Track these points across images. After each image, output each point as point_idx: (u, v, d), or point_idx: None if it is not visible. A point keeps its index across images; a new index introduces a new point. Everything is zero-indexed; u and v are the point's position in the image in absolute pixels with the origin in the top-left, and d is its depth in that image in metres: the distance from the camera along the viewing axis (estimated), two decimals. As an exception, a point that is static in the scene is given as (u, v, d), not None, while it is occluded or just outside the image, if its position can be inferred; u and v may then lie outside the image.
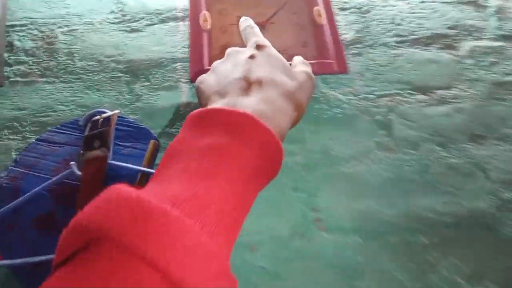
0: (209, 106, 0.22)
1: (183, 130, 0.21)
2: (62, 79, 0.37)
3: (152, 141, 0.33)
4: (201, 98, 0.26)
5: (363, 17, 0.42)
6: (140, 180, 0.31)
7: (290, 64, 0.29)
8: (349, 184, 0.35)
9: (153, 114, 0.36)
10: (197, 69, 0.35)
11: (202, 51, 0.35)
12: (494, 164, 0.36)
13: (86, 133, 0.32)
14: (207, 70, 0.34)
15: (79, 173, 0.30)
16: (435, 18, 0.43)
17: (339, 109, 0.38)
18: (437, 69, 0.40)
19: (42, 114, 0.36)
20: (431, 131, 0.38)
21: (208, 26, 0.37)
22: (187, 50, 0.39)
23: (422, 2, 0.44)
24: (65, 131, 0.34)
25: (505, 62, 0.41)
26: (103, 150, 0.30)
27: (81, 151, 0.30)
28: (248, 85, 0.22)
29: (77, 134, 0.33)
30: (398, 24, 0.42)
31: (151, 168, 0.34)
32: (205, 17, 0.37)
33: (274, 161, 0.20)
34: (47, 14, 0.41)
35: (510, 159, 0.36)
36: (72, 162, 0.30)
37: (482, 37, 0.42)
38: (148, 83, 0.38)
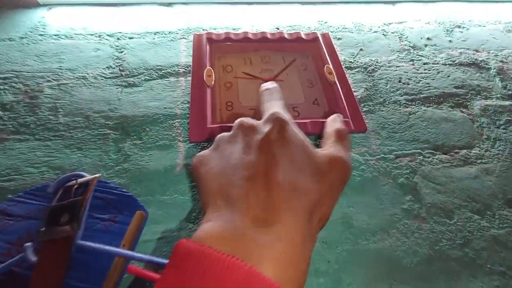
0: (209, 222, 0.15)
1: (165, 272, 0.14)
2: (38, 137, 0.32)
3: (137, 212, 0.27)
4: (200, 187, 0.19)
5: (370, 76, 0.42)
6: (116, 266, 0.24)
7: (317, 140, 0.21)
8: (379, 264, 0.28)
9: (143, 177, 0.30)
10: (198, 127, 0.31)
11: (205, 108, 0.32)
12: (540, 235, 0.31)
13: (54, 203, 0.25)
14: (209, 128, 0.31)
15: (33, 258, 0.22)
16: (441, 78, 0.43)
17: (357, 171, 0.33)
18: (454, 128, 0.38)
19: (5, 178, 0.29)
20: (463, 196, 0.33)
21: (212, 82, 0.34)
22: (187, 106, 0.36)
23: (425, 63, 0.44)
24: (28, 200, 0.27)
25: (518, 121, 0.40)
26: (72, 226, 0.23)
27: (42, 228, 0.23)
28: (264, 188, 0.16)
29: (43, 204, 0.27)
30: (406, 83, 0.42)
31: (134, 247, 0.27)
32: (209, 73, 0.34)
33: None
34: (37, 68, 0.38)
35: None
36: (27, 244, 0.23)
37: (491, 96, 0.41)
38: (140, 141, 0.33)
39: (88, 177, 0.28)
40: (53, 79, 0.37)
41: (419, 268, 0.28)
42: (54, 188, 0.28)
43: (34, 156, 0.31)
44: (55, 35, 0.42)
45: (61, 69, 0.38)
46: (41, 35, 0.42)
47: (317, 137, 0.33)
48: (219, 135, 0.21)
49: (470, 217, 0.32)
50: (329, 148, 0.20)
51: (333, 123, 0.23)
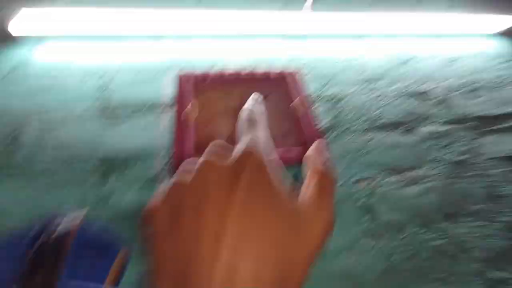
0: None
1: None
2: (18, 176, 0.33)
3: (121, 250, 0.29)
4: (150, 254, 0.13)
5: (336, 106, 0.47)
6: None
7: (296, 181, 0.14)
8: (343, 280, 0.33)
9: (126, 213, 0.32)
10: (182, 159, 0.33)
11: (188, 143, 0.35)
12: (472, 243, 0.37)
13: (32, 253, 0.26)
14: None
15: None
16: (393, 107, 0.49)
17: (323, 195, 0.38)
18: (405, 151, 0.44)
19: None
20: (411, 212, 0.38)
21: (194, 116, 0.37)
22: (170, 139, 0.38)
23: (379, 96, 0.50)
24: (10, 243, 0.28)
25: (456, 144, 0.46)
26: (55, 270, 0.24)
27: (24, 275, 0.24)
28: (226, 280, 0.12)
29: (18, 252, 0.27)
30: (365, 113, 0.47)
31: (119, 283, 0.28)
32: (192, 108, 0.37)
33: None
34: (22, 103, 0.38)
35: (483, 235, 0.38)
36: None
37: (433, 122, 0.48)
38: (124, 177, 0.35)
39: (72, 215, 0.29)
40: (37, 115, 0.38)
41: (377, 282, 0.33)
42: (36, 230, 0.28)
43: (12, 197, 0.32)
44: (40, 72, 0.42)
45: (46, 106, 0.39)
46: (26, 72, 0.42)
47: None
48: (176, 182, 0.14)
49: (416, 231, 0.37)
50: (309, 202, 0.15)
51: (315, 157, 0.17)
